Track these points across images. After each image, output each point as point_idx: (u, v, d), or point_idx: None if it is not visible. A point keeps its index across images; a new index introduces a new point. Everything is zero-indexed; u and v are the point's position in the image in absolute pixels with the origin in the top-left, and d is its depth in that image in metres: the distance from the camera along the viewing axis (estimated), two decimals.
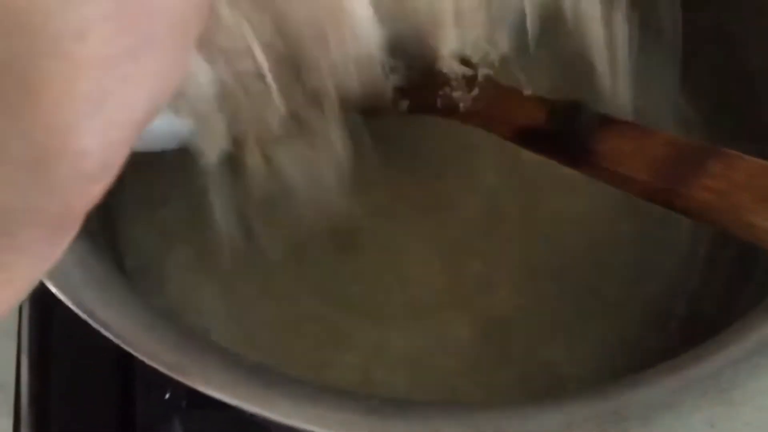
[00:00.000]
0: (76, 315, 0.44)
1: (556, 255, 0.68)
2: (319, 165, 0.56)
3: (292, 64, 0.53)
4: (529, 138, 0.60)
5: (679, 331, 0.65)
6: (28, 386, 0.67)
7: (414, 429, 0.44)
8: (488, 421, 0.44)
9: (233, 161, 0.55)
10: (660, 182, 0.51)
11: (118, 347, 0.43)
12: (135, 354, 0.42)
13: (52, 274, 0.44)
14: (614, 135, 0.55)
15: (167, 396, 0.64)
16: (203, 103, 0.51)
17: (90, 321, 0.43)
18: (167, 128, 0.50)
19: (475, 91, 0.60)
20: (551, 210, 0.70)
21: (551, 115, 0.59)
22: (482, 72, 0.61)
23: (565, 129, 0.58)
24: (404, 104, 0.61)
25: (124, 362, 0.66)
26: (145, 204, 0.68)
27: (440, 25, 0.57)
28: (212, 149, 0.53)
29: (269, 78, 0.52)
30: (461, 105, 0.61)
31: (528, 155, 0.59)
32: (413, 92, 0.61)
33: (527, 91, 0.62)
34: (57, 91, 0.23)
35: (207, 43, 0.47)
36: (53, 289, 0.44)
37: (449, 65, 0.60)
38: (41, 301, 0.67)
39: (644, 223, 0.69)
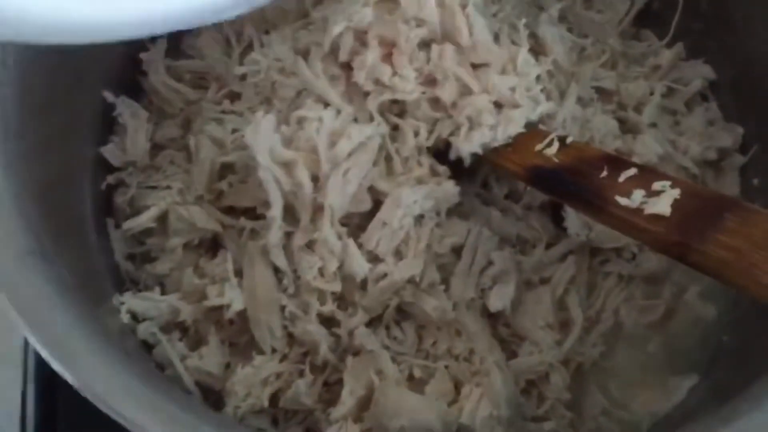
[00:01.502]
0: None
1: None
2: None
3: None
4: (542, 179, 0.58)
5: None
6: (34, 416, 0.67)
7: None
8: None
9: None
10: (675, 234, 0.49)
11: None
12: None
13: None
14: (630, 182, 0.53)
15: None
16: None
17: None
18: None
19: None
20: None
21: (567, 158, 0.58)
22: None
23: (580, 173, 0.56)
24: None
25: None
26: None
27: None
28: None
29: None
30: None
31: None
32: None
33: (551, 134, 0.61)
34: None
35: None
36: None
37: None
38: None
39: None
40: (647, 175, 0.53)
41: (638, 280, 0.67)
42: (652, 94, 0.72)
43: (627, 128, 0.70)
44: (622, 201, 0.52)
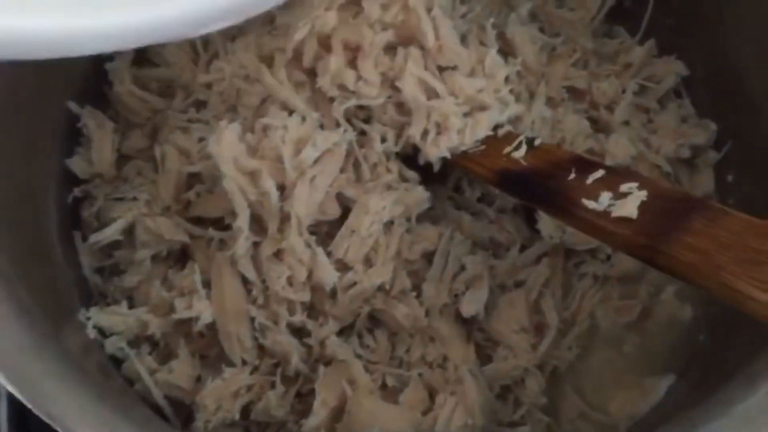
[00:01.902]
0: None
1: None
2: None
3: None
4: (510, 183, 0.58)
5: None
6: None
7: None
8: None
9: None
10: (641, 237, 0.48)
11: None
12: None
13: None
14: (598, 184, 0.53)
15: None
16: None
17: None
18: None
19: None
20: None
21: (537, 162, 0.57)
22: None
23: (548, 176, 0.55)
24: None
25: None
26: None
27: None
28: None
29: None
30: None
31: None
32: None
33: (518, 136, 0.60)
34: None
35: None
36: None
37: None
38: None
39: None
40: (615, 176, 0.53)
41: (614, 280, 0.66)
42: (624, 92, 0.71)
43: (599, 127, 0.70)
44: (589, 204, 0.51)
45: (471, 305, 0.62)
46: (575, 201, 0.52)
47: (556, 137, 0.66)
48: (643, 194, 0.50)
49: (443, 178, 0.66)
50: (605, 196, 0.51)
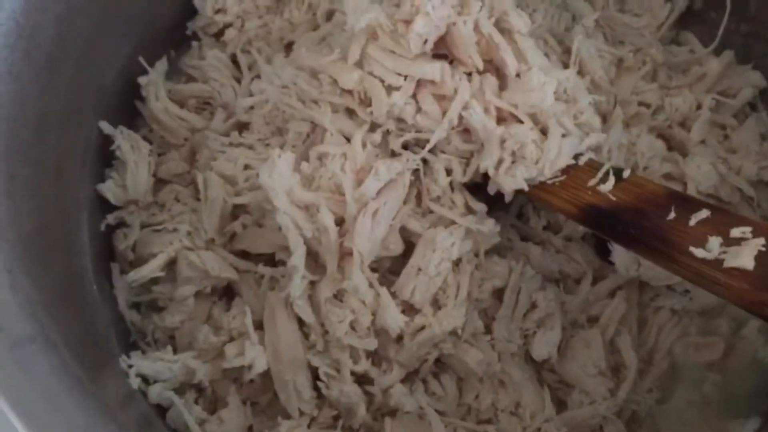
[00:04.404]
0: None
1: None
2: None
3: None
4: (598, 220, 0.52)
5: None
6: None
7: None
8: None
9: None
10: (762, 293, 0.43)
11: None
12: None
13: None
14: (703, 227, 0.47)
15: None
16: None
17: None
18: None
19: None
20: None
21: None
22: None
23: (642, 215, 0.50)
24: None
25: None
26: None
27: None
28: None
29: None
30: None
31: None
32: None
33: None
34: None
35: None
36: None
37: None
38: None
39: None
40: (722, 218, 0.47)
41: (693, 314, 0.61)
42: (699, 108, 0.65)
43: (671, 145, 0.64)
44: (698, 252, 0.46)
45: (543, 347, 0.57)
46: (678, 245, 0.47)
47: (630, 161, 0.61)
48: (759, 241, 0.44)
49: (506, 204, 0.61)
50: (714, 242, 0.46)
